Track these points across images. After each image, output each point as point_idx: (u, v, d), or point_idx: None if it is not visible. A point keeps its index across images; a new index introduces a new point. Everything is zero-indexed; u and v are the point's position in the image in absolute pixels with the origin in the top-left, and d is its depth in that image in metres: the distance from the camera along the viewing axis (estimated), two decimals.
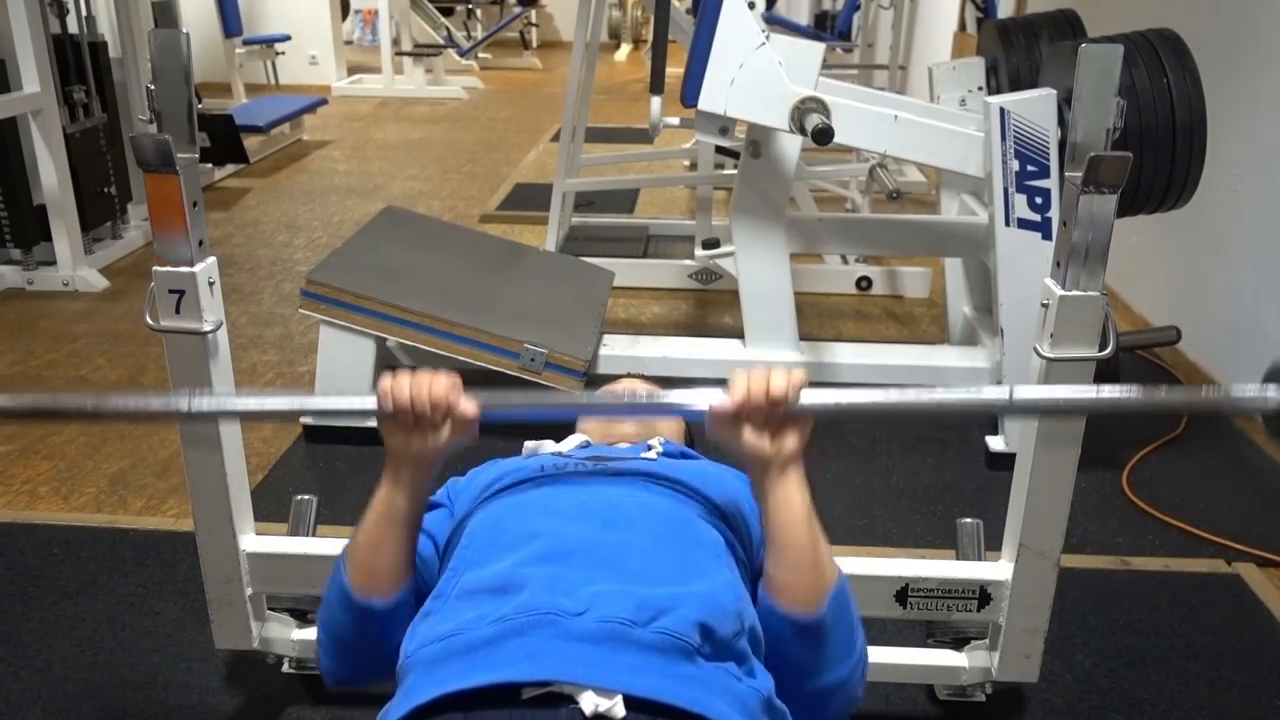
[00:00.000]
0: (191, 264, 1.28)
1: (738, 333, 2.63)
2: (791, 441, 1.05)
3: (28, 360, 2.95)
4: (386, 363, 2.52)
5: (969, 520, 1.66)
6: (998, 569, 1.46)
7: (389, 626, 1.06)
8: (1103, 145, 1.23)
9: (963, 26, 5.29)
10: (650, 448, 1.29)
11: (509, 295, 2.61)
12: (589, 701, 0.85)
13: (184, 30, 1.21)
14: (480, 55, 9.40)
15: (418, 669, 0.93)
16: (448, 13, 9.51)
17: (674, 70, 2.43)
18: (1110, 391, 1.05)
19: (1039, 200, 2.22)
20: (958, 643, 1.59)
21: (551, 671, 0.87)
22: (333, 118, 6.97)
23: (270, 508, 1.64)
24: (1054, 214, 2.21)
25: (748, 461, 1.07)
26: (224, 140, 4.80)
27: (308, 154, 5.88)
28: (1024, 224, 2.23)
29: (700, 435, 1.60)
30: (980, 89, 2.61)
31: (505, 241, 3.21)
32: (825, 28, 6.69)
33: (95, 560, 1.97)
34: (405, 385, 1.05)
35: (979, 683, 1.58)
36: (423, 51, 8.28)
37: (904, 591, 1.46)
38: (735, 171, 2.65)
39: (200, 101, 4.28)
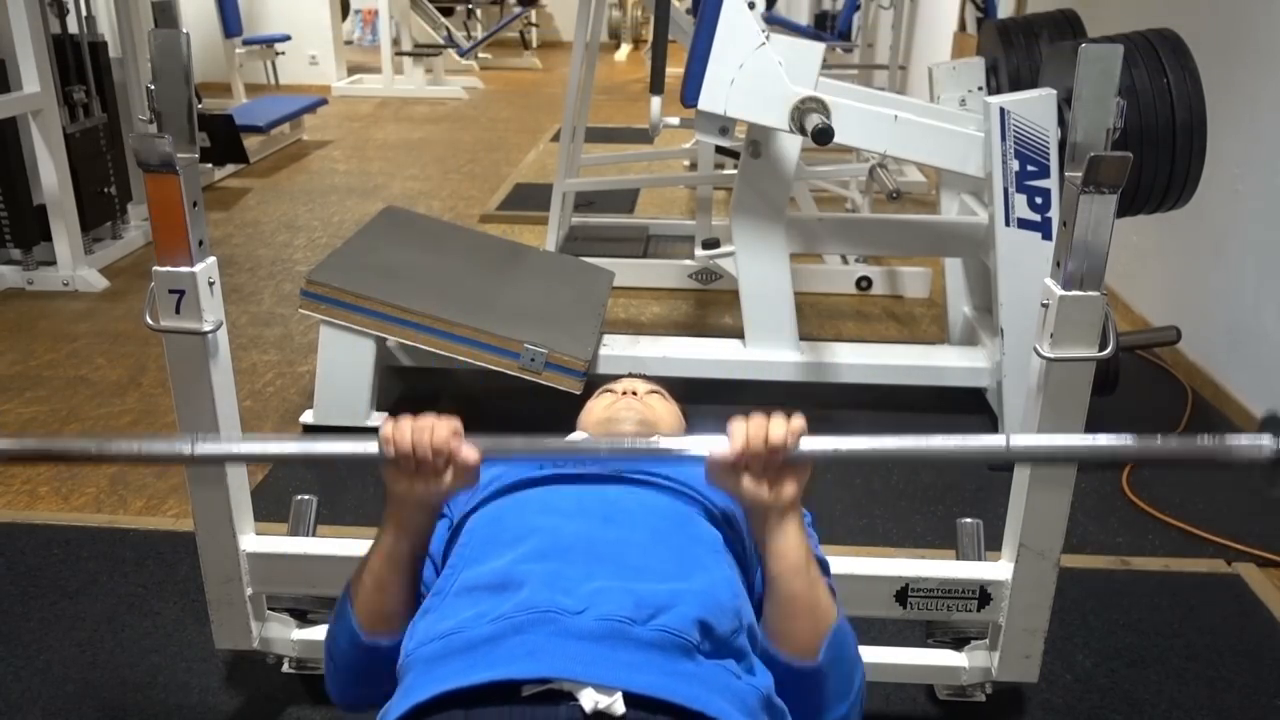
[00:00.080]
0: (191, 264, 1.27)
1: (738, 333, 2.63)
2: (790, 489, 1.05)
3: (28, 360, 2.95)
4: (386, 362, 2.52)
5: (969, 520, 1.66)
6: (998, 569, 1.46)
7: (397, 660, 1.06)
8: (1103, 145, 1.23)
9: (963, 26, 5.29)
10: None
11: (509, 295, 2.61)
12: (589, 699, 0.85)
13: (184, 30, 1.21)
14: (480, 55, 9.40)
15: (417, 667, 0.94)
16: (448, 13, 9.51)
17: (674, 70, 2.43)
18: (1107, 440, 1.07)
19: (1039, 200, 2.22)
20: (958, 643, 1.59)
21: (551, 669, 0.87)
22: (333, 118, 6.97)
23: (270, 508, 1.64)
24: (1054, 214, 2.21)
25: (746, 508, 1.08)
26: (224, 140, 4.80)
27: (308, 154, 5.88)
28: (1024, 224, 2.23)
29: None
30: (980, 89, 2.61)
31: (505, 241, 3.21)
32: (825, 28, 6.69)
33: (95, 560, 1.97)
34: (407, 431, 1.05)
35: (979, 683, 1.58)
36: (423, 51, 8.28)
37: (904, 591, 1.46)
38: (735, 171, 2.65)
39: (200, 101, 4.28)
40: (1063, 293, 1.25)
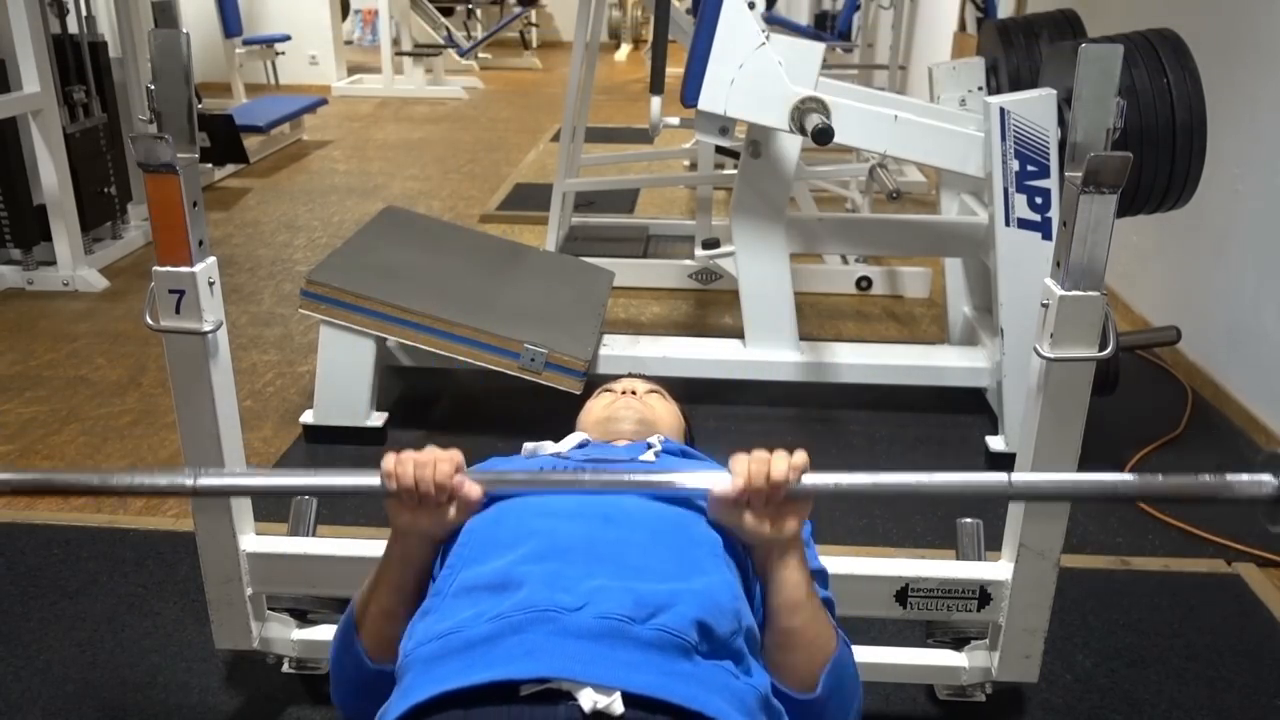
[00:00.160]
0: (191, 264, 1.27)
1: (738, 333, 2.63)
2: (792, 525, 1.07)
3: (28, 360, 2.95)
4: (386, 362, 2.52)
5: (969, 520, 1.66)
6: (998, 569, 1.46)
7: None
8: (1103, 145, 1.23)
9: (963, 26, 5.29)
10: (649, 447, 1.29)
11: (509, 295, 2.61)
12: (588, 698, 0.85)
13: (184, 30, 1.21)
14: (480, 55, 9.40)
15: (416, 667, 0.93)
16: (448, 13, 9.51)
17: (674, 70, 2.43)
18: (1109, 478, 1.09)
19: (1039, 200, 2.22)
20: (958, 643, 1.59)
21: (550, 668, 0.87)
22: (333, 118, 6.97)
23: (270, 508, 1.64)
24: (1054, 214, 2.21)
25: (748, 543, 1.09)
26: (224, 140, 4.80)
27: (308, 154, 5.88)
28: (1024, 224, 2.23)
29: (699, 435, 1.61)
30: (980, 89, 2.61)
31: (505, 241, 3.21)
32: (825, 28, 6.69)
33: (95, 560, 1.97)
34: (409, 468, 1.06)
35: (979, 683, 1.58)
36: (423, 51, 8.28)
37: (904, 591, 1.46)
38: (735, 171, 2.65)
39: (200, 101, 4.28)
40: (1063, 293, 1.25)
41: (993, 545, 1.55)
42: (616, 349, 2.61)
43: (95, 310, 3.36)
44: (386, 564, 1.12)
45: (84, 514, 2.15)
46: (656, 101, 2.70)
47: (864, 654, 1.17)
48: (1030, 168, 2.19)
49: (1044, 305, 1.29)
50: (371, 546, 1.46)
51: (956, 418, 2.63)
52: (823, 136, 2.01)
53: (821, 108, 2.10)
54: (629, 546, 1.02)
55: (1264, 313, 2.58)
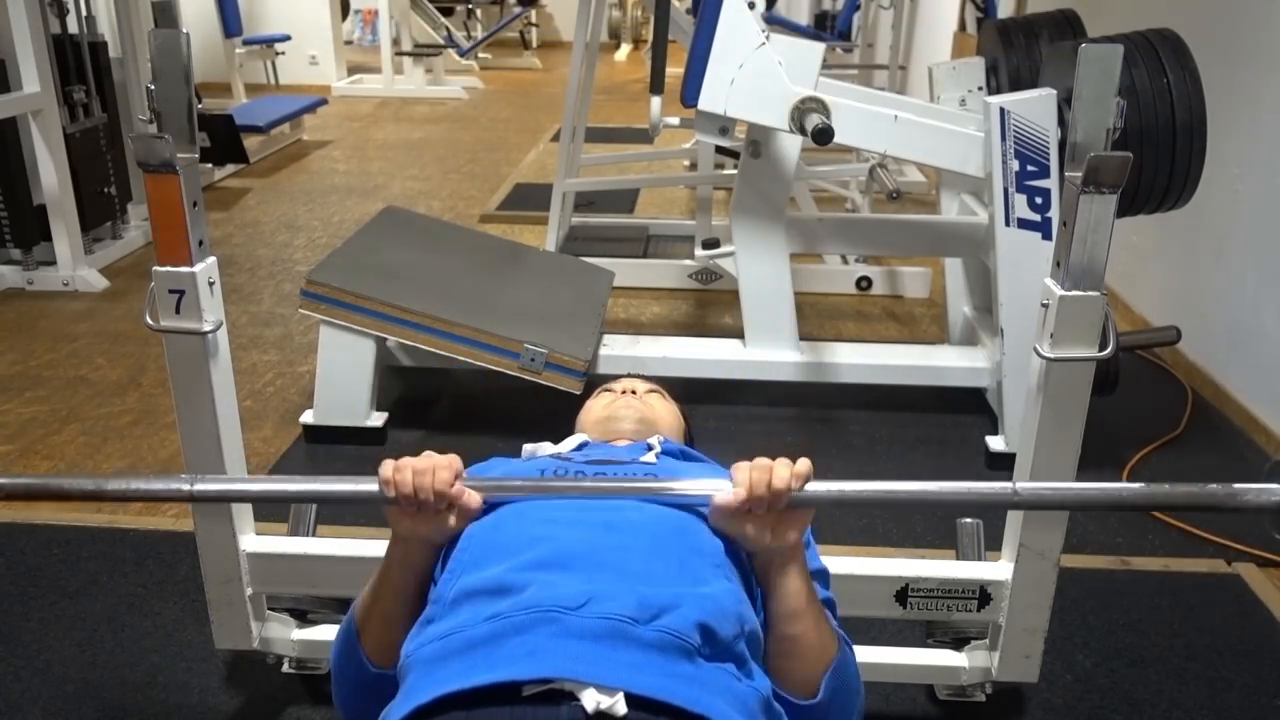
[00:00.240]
0: (191, 264, 1.27)
1: (738, 333, 2.63)
2: (792, 534, 1.07)
3: (28, 360, 2.95)
4: (386, 362, 2.52)
5: (969, 520, 1.66)
6: (998, 569, 1.46)
7: None
8: (1103, 145, 1.23)
9: (963, 26, 5.29)
10: (650, 448, 1.29)
11: (509, 295, 2.61)
12: (590, 699, 0.85)
13: (184, 30, 1.21)
14: (480, 55, 9.40)
15: (418, 668, 0.93)
16: (448, 13, 9.51)
17: (674, 70, 2.43)
18: (1115, 487, 1.10)
19: (1039, 200, 2.21)
20: (958, 643, 1.59)
21: (552, 669, 0.87)
22: (333, 118, 6.97)
23: (270, 508, 1.64)
24: (1054, 214, 2.21)
25: (749, 551, 1.09)
26: (224, 140, 4.80)
27: (308, 154, 5.88)
28: (1024, 224, 2.23)
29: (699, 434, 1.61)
30: (980, 89, 2.61)
31: (505, 241, 3.21)
32: (825, 28, 6.69)
33: (95, 560, 1.97)
34: (408, 474, 1.05)
35: (979, 683, 1.58)
36: (423, 51, 8.28)
37: (904, 591, 1.46)
38: (735, 171, 2.65)
39: (200, 101, 4.28)
40: (1063, 293, 1.25)
41: (993, 545, 1.55)
42: (616, 349, 2.61)
43: (95, 310, 3.36)
44: (387, 568, 1.12)
45: (84, 514, 2.15)
46: (656, 101, 2.70)
47: (864, 654, 1.17)
48: (1030, 168, 2.19)
49: (1044, 305, 1.29)
50: (371, 547, 1.46)
51: (956, 418, 2.63)
52: (823, 136, 2.01)
53: (821, 108, 2.10)
54: (631, 553, 1.02)
55: (1264, 313, 2.58)
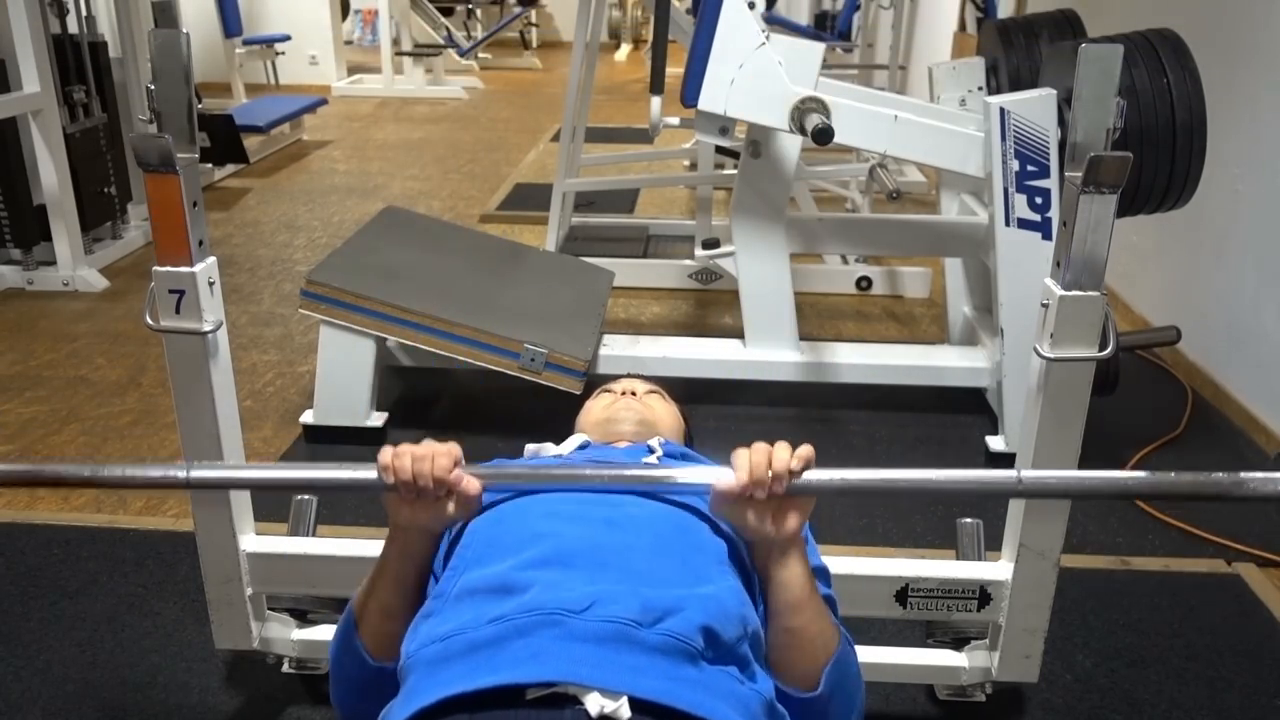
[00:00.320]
0: (191, 264, 1.27)
1: (738, 333, 2.63)
2: (793, 522, 1.05)
3: (28, 360, 2.95)
4: (386, 362, 2.52)
5: (969, 520, 1.66)
6: (998, 569, 1.46)
7: None
8: (1103, 145, 1.23)
9: (963, 26, 5.29)
10: (651, 451, 1.29)
11: (509, 295, 2.61)
12: (594, 703, 0.85)
13: (184, 30, 1.21)
14: (480, 55, 9.40)
15: (419, 670, 0.93)
16: (448, 13, 9.51)
17: (674, 70, 2.43)
18: (1120, 475, 1.07)
19: (1039, 200, 2.22)
20: (958, 643, 1.59)
21: (556, 672, 0.87)
22: (333, 118, 6.97)
23: (270, 508, 1.64)
24: (1054, 214, 2.21)
25: (749, 541, 1.08)
26: (224, 140, 4.80)
27: (308, 154, 5.88)
28: (1024, 224, 2.23)
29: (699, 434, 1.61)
30: (980, 89, 2.61)
31: (505, 241, 3.21)
32: (825, 28, 6.69)
33: (95, 560, 1.97)
34: (407, 461, 1.05)
35: (979, 683, 1.58)
36: (423, 51, 8.28)
37: (904, 591, 1.46)
38: (735, 171, 2.65)
39: (200, 101, 4.28)
40: (1063, 293, 1.25)
41: (993, 545, 1.55)
42: (616, 349, 2.61)
43: (95, 310, 3.36)
44: (386, 559, 1.11)
45: (84, 514, 2.15)
46: (656, 101, 2.70)
47: (864, 654, 1.16)
48: (1030, 168, 2.19)
49: (1044, 305, 1.29)
50: (372, 546, 1.45)
51: (956, 418, 2.63)
52: (823, 136, 2.01)
53: (821, 108, 2.10)
54: (634, 552, 1.01)
55: (1264, 313, 2.58)
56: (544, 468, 1.15)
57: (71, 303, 3.43)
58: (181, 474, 1.13)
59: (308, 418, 2.46)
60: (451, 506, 1.07)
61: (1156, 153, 2.14)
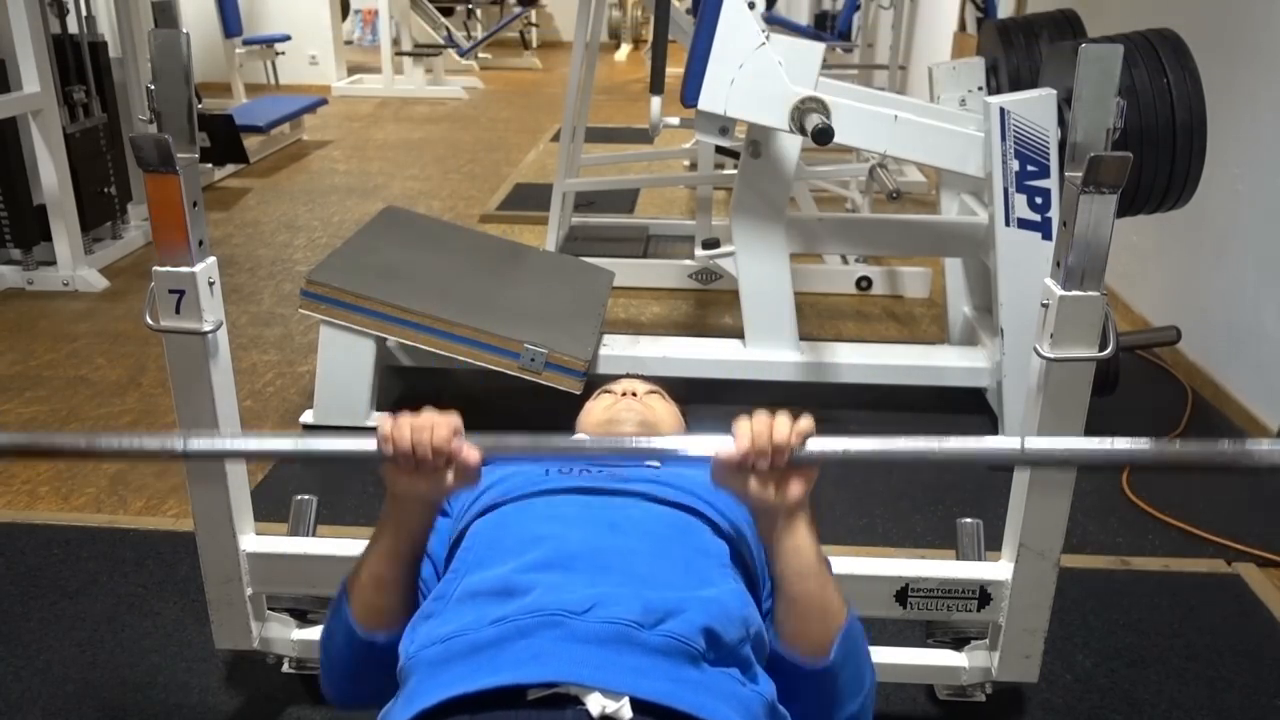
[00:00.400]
0: (191, 264, 1.27)
1: (738, 333, 2.63)
2: (797, 489, 1.02)
3: (28, 360, 2.95)
4: (386, 362, 2.52)
5: (969, 520, 1.66)
6: (998, 569, 1.46)
7: (393, 657, 1.05)
8: (1103, 145, 1.23)
9: (963, 26, 5.29)
10: None
11: (509, 295, 2.61)
12: (596, 703, 0.85)
13: (184, 30, 1.21)
14: (480, 55, 9.40)
15: (420, 671, 0.93)
16: (448, 13, 9.51)
17: (674, 70, 2.43)
18: (1123, 444, 1.04)
19: (1039, 200, 2.22)
20: (958, 643, 1.59)
21: (557, 673, 0.87)
22: (333, 118, 6.97)
23: (270, 508, 1.64)
24: (1054, 214, 2.21)
25: (753, 510, 1.06)
26: (224, 140, 4.80)
27: (308, 154, 5.88)
28: (1024, 224, 2.23)
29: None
30: (980, 89, 2.61)
31: (505, 241, 3.21)
32: (825, 28, 6.69)
33: (95, 560, 1.97)
34: (406, 430, 1.03)
35: (979, 683, 1.58)
36: (423, 51, 8.28)
37: (904, 591, 1.46)
38: (735, 171, 2.65)
39: (200, 101, 4.27)
40: (1063, 293, 1.25)
41: (993, 545, 1.55)
42: (616, 349, 2.61)
43: (95, 310, 3.36)
44: (382, 530, 1.10)
45: (84, 514, 2.16)
46: (656, 101, 2.70)
47: None
48: (1030, 168, 2.19)
49: (1044, 305, 1.29)
50: None
51: (956, 418, 2.63)
52: (823, 136, 2.01)
53: (821, 108, 2.10)
54: (636, 555, 1.01)
55: (1264, 313, 2.58)
56: (546, 438, 1.13)
57: (71, 303, 3.43)
58: (179, 445, 1.10)
59: (308, 418, 2.46)
60: (451, 476, 1.04)
61: (1156, 153, 2.14)
